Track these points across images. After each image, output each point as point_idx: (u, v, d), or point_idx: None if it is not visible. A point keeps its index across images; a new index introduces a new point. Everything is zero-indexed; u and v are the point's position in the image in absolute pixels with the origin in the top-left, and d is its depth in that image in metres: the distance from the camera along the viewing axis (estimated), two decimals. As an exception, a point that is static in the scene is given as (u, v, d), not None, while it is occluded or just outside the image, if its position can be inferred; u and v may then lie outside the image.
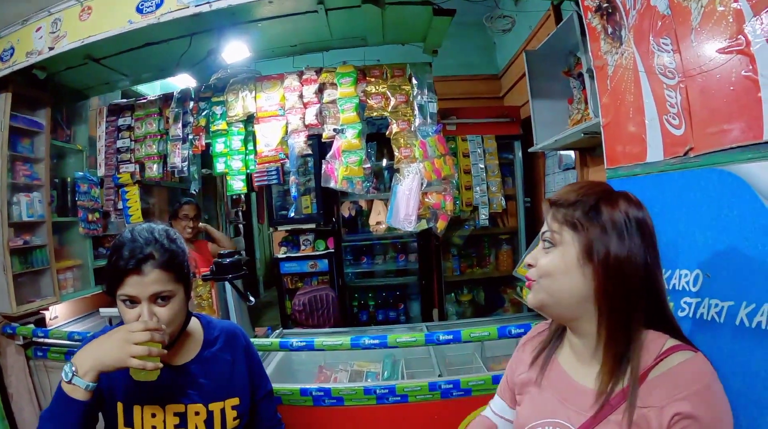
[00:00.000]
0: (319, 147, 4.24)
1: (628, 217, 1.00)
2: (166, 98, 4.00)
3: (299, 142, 3.55)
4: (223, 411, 1.46)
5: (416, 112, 3.43)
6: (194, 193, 3.98)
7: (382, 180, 5.06)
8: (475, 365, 2.93)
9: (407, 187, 3.39)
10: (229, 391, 1.50)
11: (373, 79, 3.53)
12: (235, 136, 3.74)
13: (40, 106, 3.54)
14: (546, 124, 3.26)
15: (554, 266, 1.03)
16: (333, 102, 3.52)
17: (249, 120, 3.74)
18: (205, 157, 4.03)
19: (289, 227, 5.01)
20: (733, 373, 1.16)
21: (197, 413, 1.43)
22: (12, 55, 3.16)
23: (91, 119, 4.21)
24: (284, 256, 4.98)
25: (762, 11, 1.10)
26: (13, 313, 3.16)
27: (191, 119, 3.86)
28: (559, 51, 3.08)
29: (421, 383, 2.31)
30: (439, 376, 2.53)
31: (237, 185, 3.78)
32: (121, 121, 4.07)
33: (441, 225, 3.53)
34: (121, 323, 1.33)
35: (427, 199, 3.44)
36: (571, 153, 3.69)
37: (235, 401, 1.50)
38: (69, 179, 3.95)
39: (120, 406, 1.39)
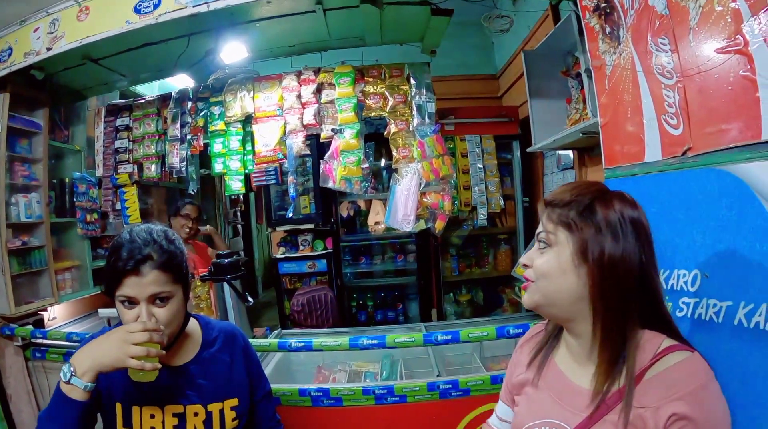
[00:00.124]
0: (318, 147, 4.24)
1: (623, 216, 1.00)
2: (164, 98, 3.99)
3: (297, 143, 3.55)
4: (221, 412, 1.46)
5: (414, 112, 3.43)
6: (193, 193, 3.98)
7: (380, 180, 5.05)
8: (474, 365, 2.93)
9: (405, 187, 3.39)
10: (228, 391, 1.50)
11: (371, 79, 3.53)
12: (234, 137, 3.74)
13: (38, 107, 3.54)
14: (544, 124, 3.26)
15: (549, 267, 1.03)
16: (331, 102, 3.52)
17: (247, 120, 3.73)
18: (204, 158, 4.03)
19: (287, 227, 5.02)
20: (731, 373, 1.16)
21: (196, 414, 1.43)
22: (10, 55, 3.15)
23: (89, 120, 4.21)
24: (283, 256, 4.98)
25: (760, 11, 1.11)
26: (12, 314, 3.15)
27: (189, 119, 3.86)
28: (558, 51, 3.08)
29: (420, 383, 2.31)
30: (438, 376, 2.54)
31: (235, 185, 3.78)
32: (119, 122, 4.07)
33: (439, 225, 3.53)
34: (120, 324, 1.33)
35: (425, 199, 3.44)
36: (570, 153, 3.70)
37: (234, 402, 1.50)
38: (67, 180, 3.95)
39: (119, 406, 1.39)
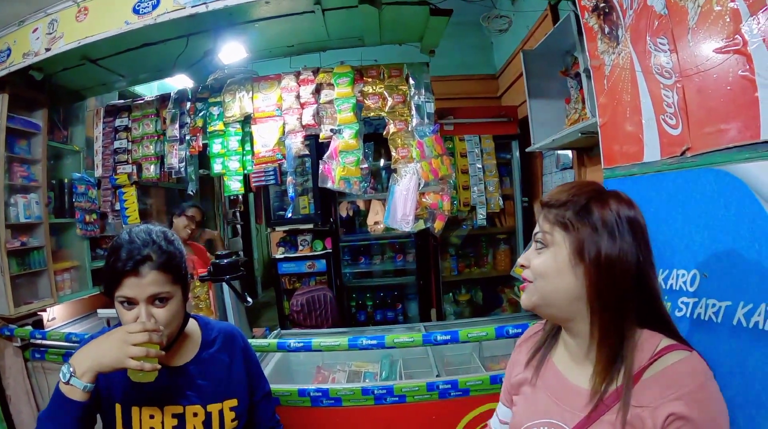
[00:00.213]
0: (317, 147, 4.24)
1: (619, 216, 1.00)
2: (163, 99, 3.99)
3: (296, 143, 3.55)
4: (221, 412, 1.46)
5: (413, 112, 3.43)
6: (192, 193, 3.97)
7: (379, 180, 5.06)
8: (473, 365, 2.94)
9: (405, 187, 3.39)
10: (227, 392, 1.50)
11: (370, 80, 3.52)
12: (233, 137, 3.73)
13: (37, 107, 3.54)
14: (543, 124, 3.26)
15: (547, 267, 1.03)
16: (330, 102, 3.52)
17: (246, 120, 3.73)
18: (203, 158, 4.02)
19: (286, 228, 5.01)
20: (730, 372, 1.17)
21: (195, 414, 1.43)
22: (9, 56, 3.15)
23: (88, 120, 4.21)
24: (282, 256, 4.98)
25: (759, 11, 1.11)
26: (11, 315, 3.15)
27: (188, 120, 3.85)
28: (557, 51, 3.08)
29: (419, 383, 2.31)
30: (437, 376, 2.54)
31: (234, 186, 3.77)
32: (118, 122, 4.06)
33: (438, 225, 3.53)
34: (119, 324, 1.33)
35: (424, 199, 3.44)
36: (569, 153, 3.70)
37: (233, 402, 1.50)
38: (66, 180, 3.95)
39: (118, 407, 1.39)
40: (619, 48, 1.74)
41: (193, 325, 1.56)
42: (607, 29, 1.82)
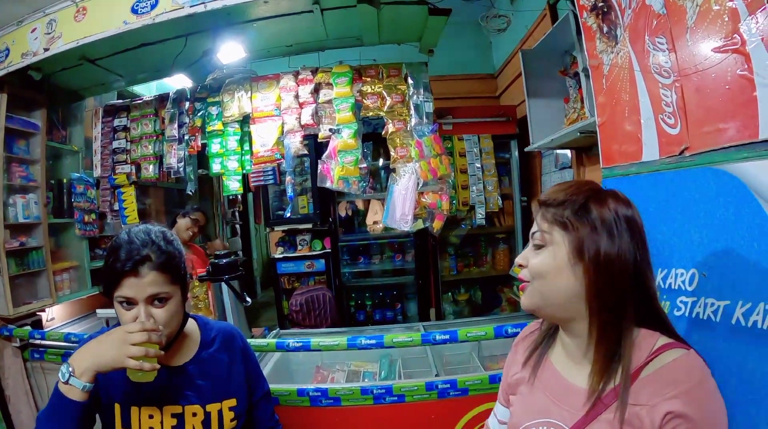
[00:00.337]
0: (315, 147, 4.24)
1: (618, 215, 1.00)
2: (161, 99, 3.99)
3: (295, 142, 3.55)
4: (220, 412, 1.46)
5: (412, 111, 3.43)
6: (190, 193, 3.97)
7: (378, 180, 5.06)
8: (473, 365, 2.94)
9: (403, 187, 3.39)
10: (227, 392, 1.50)
11: (369, 79, 3.53)
12: (231, 137, 3.73)
13: (35, 107, 3.54)
14: (542, 124, 3.27)
15: (545, 266, 1.03)
16: (329, 102, 3.52)
17: (245, 120, 3.73)
18: (201, 158, 4.03)
19: (285, 227, 5.01)
20: (729, 372, 1.17)
21: (194, 414, 1.43)
22: (7, 56, 3.15)
23: (86, 120, 4.21)
24: (281, 256, 4.98)
25: (757, 10, 1.11)
26: (10, 315, 3.15)
27: (187, 120, 3.86)
28: (555, 50, 3.08)
29: (418, 383, 2.31)
30: (436, 375, 2.54)
31: (233, 186, 3.78)
32: (116, 122, 4.07)
33: (437, 224, 3.53)
34: (118, 324, 1.33)
35: (423, 199, 3.44)
36: (568, 152, 3.70)
37: (233, 402, 1.50)
38: (65, 180, 3.95)
39: (117, 407, 1.39)
40: (617, 47, 1.73)
41: (192, 325, 1.56)
42: (605, 29, 1.82)
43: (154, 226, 1.42)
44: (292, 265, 4.98)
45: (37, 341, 3.09)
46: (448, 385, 2.29)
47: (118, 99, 4.38)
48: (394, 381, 2.43)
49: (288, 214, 3.86)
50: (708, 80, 1.28)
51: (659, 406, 0.89)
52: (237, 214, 8.01)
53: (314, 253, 4.97)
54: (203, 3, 2.65)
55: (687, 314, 1.35)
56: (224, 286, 3.27)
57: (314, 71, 3.61)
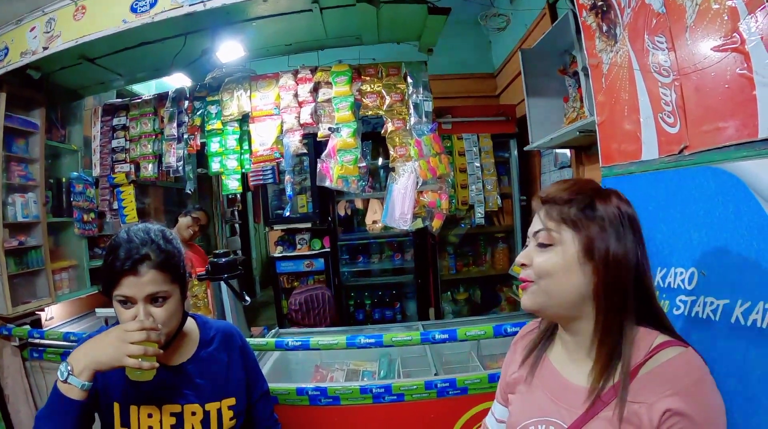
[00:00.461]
0: (315, 146, 4.25)
1: (622, 213, 1.00)
2: (161, 98, 3.99)
3: (294, 141, 3.55)
4: (219, 411, 1.46)
5: (411, 110, 3.43)
6: (189, 192, 3.97)
7: (377, 179, 5.07)
8: (472, 364, 2.93)
9: (403, 186, 3.39)
10: (226, 391, 1.50)
11: (368, 78, 3.53)
12: (230, 136, 3.73)
13: (34, 106, 3.54)
14: (541, 123, 3.27)
15: (554, 266, 1.02)
16: (328, 101, 3.52)
17: (244, 119, 3.73)
18: (201, 157, 4.02)
19: (284, 226, 5.01)
20: (728, 371, 1.17)
21: (194, 413, 1.42)
22: (6, 55, 3.15)
23: (85, 119, 4.20)
24: (280, 255, 4.98)
25: (757, 9, 1.11)
26: (9, 315, 3.15)
27: (186, 119, 3.85)
28: (555, 49, 3.08)
29: (417, 382, 2.31)
30: (435, 374, 2.54)
31: (232, 185, 3.78)
32: (116, 121, 4.07)
33: (436, 224, 3.53)
34: (117, 323, 1.33)
35: (422, 198, 3.44)
36: (567, 151, 3.70)
37: (232, 401, 1.50)
38: (64, 179, 3.95)
39: (116, 406, 1.39)
40: (617, 46, 1.73)
41: (191, 324, 1.55)
42: (605, 28, 1.82)
43: (154, 225, 1.42)
44: (291, 265, 4.98)
45: (36, 340, 3.09)
46: (448, 384, 2.29)
47: (117, 98, 4.37)
48: (393, 380, 2.43)
49: (287, 214, 3.86)
50: (707, 79, 1.28)
51: (658, 404, 0.89)
52: (236, 213, 8.01)
53: (313, 252, 4.97)
54: (202, 2, 2.65)
55: (686, 313, 1.35)
56: (223, 285, 3.27)
57: (313, 70, 3.60)
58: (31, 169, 3.53)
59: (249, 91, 3.67)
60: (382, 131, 3.49)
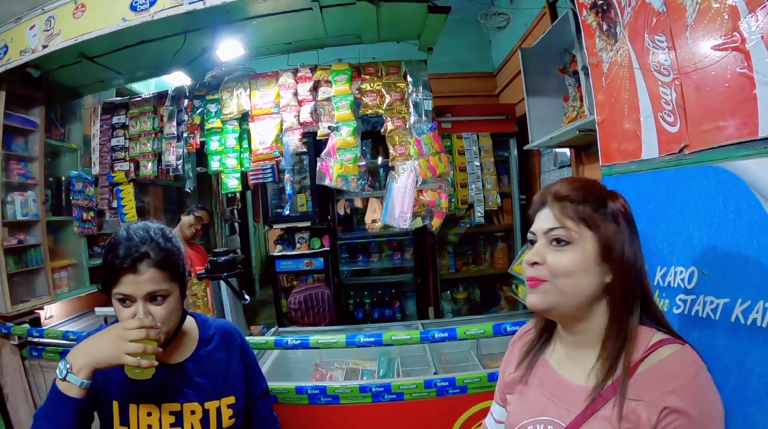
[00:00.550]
0: (314, 145, 4.25)
1: (628, 213, 1.02)
2: (160, 96, 3.99)
3: (294, 140, 3.55)
4: (218, 410, 1.46)
5: (411, 109, 3.43)
6: (189, 191, 3.97)
7: (377, 178, 5.06)
8: (471, 363, 2.93)
9: (402, 185, 3.39)
10: (225, 389, 1.50)
11: (368, 77, 3.53)
12: (230, 134, 3.73)
13: (34, 105, 3.54)
14: (541, 122, 3.26)
15: (573, 265, 1.01)
16: (328, 100, 3.52)
17: (244, 118, 3.73)
18: (200, 155, 4.02)
19: (284, 225, 5.01)
20: (728, 370, 1.16)
21: (193, 412, 1.42)
22: (6, 53, 3.14)
23: (85, 117, 4.20)
24: (280, 254, 4.98)
25: (757, 8, 1.10)
26: (8, 313, 3.15)
27: (186, 117, 3.85)
28: (555, 48, 3.08)
29: (417, 381, 2.31)
30: (435, 373, 2.54)
31: (232, 183, 3.78)
32: (115, 120, 4.07)
33: (436, 222, 3.53)
34: (116, 322, 1.33)
35: (422, 197, 3.44)
36: (567, 150, 3.69)
37: (231, 400, 1.49)
38: (63, 178, 3.94)
39: (115, 404, 1.38)
40: (617, 45, 1.73)
41: (190, 322, 1.55)
42: (605, 26, 1.82)
43: (153, 223, 1.41)
44: (290, 263, 4.99)
45: (36, 339, 3.09)
46: (447, 383, 2.29)
47: (116, 96, 4.37)
48: (392, 379, 2.43)
49: (287, 212, 3.87)
50: (707, 78, 1.28)
51: (656, 401, 0.89)
52: (236, 212, 8.01)
53: (313, 251, 4.97)
54: (202, 0, 2.65)
55: (686, 312, 1.35)
56: (223, 284, 3.26)
57: (313, 69, 3.61)
58: (31, 168, 3.53)
59: (249, 89, 3.67)
60: (382, 130, 3.49)
